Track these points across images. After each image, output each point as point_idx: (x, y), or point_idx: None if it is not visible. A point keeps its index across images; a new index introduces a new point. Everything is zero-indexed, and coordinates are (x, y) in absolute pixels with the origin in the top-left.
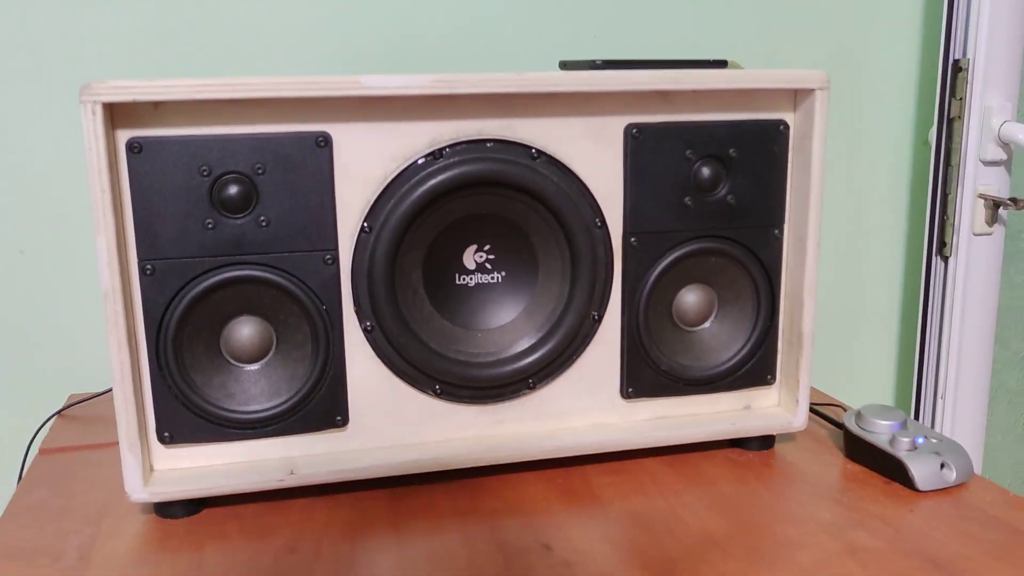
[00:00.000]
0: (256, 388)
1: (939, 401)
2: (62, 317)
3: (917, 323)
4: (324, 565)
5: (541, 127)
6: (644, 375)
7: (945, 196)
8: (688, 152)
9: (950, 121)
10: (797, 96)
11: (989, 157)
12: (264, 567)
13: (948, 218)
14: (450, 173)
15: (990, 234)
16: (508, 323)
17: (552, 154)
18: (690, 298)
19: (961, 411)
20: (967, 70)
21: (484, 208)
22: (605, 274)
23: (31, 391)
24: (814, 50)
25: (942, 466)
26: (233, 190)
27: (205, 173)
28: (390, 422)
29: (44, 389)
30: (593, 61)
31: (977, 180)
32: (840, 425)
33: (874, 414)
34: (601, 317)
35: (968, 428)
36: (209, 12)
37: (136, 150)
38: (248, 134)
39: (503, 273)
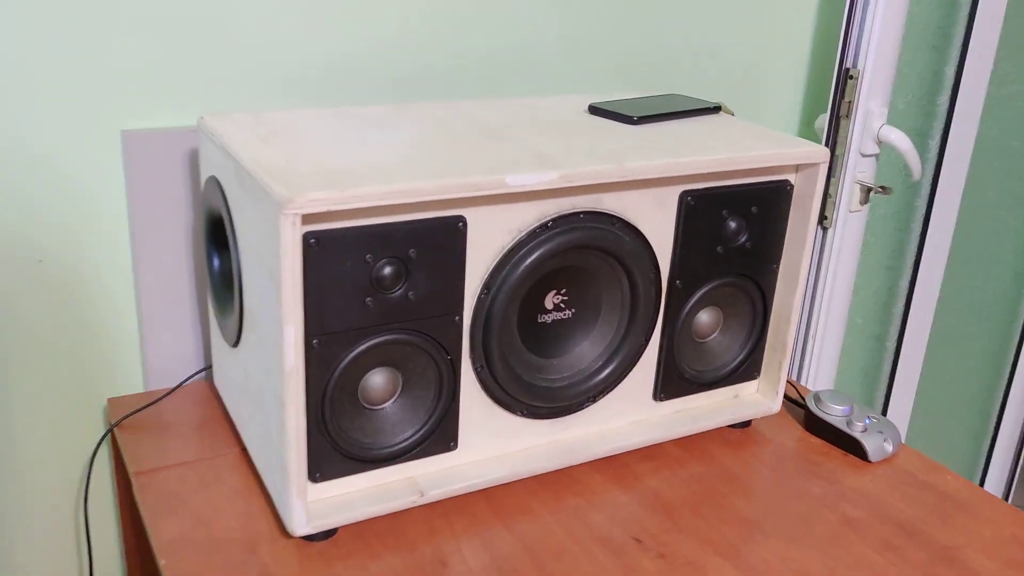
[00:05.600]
0: (387, 425)
1: (809, 340)
2: (87, 323)
3: None
4: (475, 572)
5: (621, 199)
6: (672, 382)
7: (829, 179)
8: (724, 211)
9: (838, 118)
10: (800, 164)
11: (867, 151)
12: None
13: (830, 197)
14: (553, 243)
15: (860, 211)
16: (576, 350)
17: (628, 220)
18: (704, 317)
19: (827, 348)
20: (856, 79)
21: (567, 262)
22: (655, 309)
23: (67, 394)
24: (728, 46)
25: (884, 440)
26: (388, 270)
27: (369, 260)
28: (486, 440)
29: (80, 392)
30: (630, 117)
31: (856, 169)
32: (802, 405)
33: (830, 399)
34: (648, 341)
35: (828, 359)
36: (225, 41)
37: (313, 244)
38: (404, 222)
39: (573, 310)
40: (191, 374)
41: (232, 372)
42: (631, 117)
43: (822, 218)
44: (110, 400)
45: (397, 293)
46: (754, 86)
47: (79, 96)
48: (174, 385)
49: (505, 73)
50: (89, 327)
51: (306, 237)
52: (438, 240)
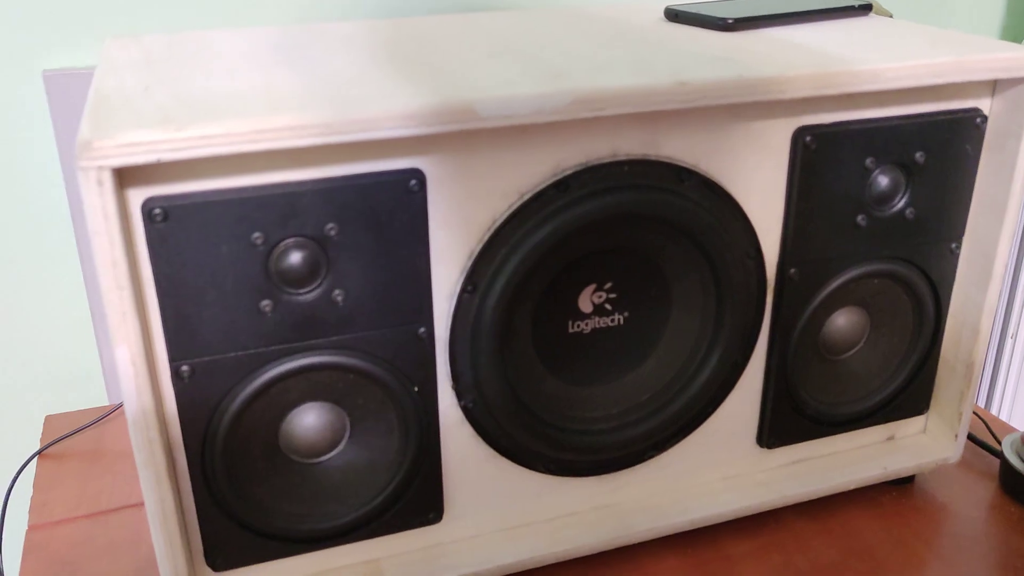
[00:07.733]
0: (328, 489)
1: (1008, 341)
2: (28, 312)
3: None
4: None
5: (692, 139)
6: (786, 421)
7: None
8: (868, 159)
9: None
10: (999, 81)
11: None
12: None
13: None
14: (578, 210)
15: None
16: (632, 375)
17: (705, 173)
18: (840, 322)
19: None
20: None
21: (610, 243)
22: (756, 312)
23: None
24: None
25: None
26: (296, 258)
27: (259, 241)
28: (492, 507)
29: (12, 404)
30: (723, 20)
31: None
32: (997, 453)
33: None
34: (747, 361)
35: None
36: None
37: (158, 218)
38: (316, 180)
39: (625, 314)
40: None
41: None
42: (724, 20)
43: None
44: (47, 418)
45: (312, 293)
46: None
47: None
48: None
49: None
50: (30, 317)
51: (147, 208)
52: (377, 209)
